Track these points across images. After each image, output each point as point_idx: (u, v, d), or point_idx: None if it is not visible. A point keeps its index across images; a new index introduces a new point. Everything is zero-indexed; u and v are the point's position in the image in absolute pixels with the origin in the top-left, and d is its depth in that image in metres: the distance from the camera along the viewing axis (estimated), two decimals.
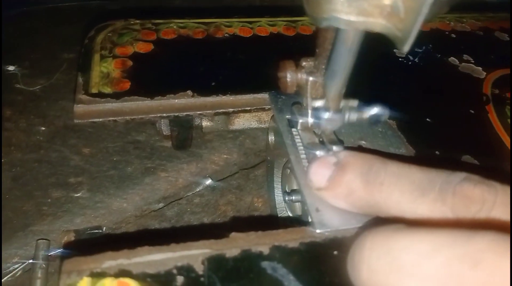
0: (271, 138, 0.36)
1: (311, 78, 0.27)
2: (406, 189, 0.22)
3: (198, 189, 0.42)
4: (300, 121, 0.29)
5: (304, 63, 0.27)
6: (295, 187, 0.33)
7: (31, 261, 0.34)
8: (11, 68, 0.48)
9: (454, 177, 0.21)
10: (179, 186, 0.42)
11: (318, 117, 0.26)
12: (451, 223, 0.20)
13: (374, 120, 0.26)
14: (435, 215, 0.21)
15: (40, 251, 0.34)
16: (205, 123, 0.37)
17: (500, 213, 0.20)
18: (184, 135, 0.35)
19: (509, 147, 0.30)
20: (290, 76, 0.27)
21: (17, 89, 0.47)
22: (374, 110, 0.25)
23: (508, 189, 0.20)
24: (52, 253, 0.35)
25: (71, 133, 0.44)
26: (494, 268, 0.16)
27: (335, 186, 0.24)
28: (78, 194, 0.39)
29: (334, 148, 0.28)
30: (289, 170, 0.34)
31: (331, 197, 0.25)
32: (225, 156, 0.45)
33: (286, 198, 0.32)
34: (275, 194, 0.37)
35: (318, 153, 0.26)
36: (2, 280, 0.34)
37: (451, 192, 0.21)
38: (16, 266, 0.35)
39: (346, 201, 0.24)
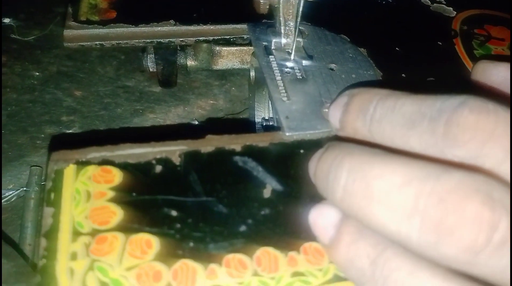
0: (252, 74, 0.38)
1: None
2: (397, 124, 0.21)
3: None
4: (274, 40, 0.31)
5: None
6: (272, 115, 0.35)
7: (24, 188, 0.37)
8: (6, 20, 0.50)
9: (449, 103, 0.19)
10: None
11: None
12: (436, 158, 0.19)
13: None
14: (425, 148, 0.20)
15: (34, 176, 0.36)
16: (190, 62, 0.39)
17: (496, 150, 0.18)
18: (169, 69, 0.37)
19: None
20: None
21: (12, 39, 0.49)
22: None
23: None
24: (44, 183, 0.37)
25: (64, 77, 0.46)
26: (455, 209, 0.16)
27: (344, 127, 0.24)
28: (70, 131, 0.41)
29: (304, 62, 0.30)
30: (268, 98, 0.36)
31: (346, 136, 0.24)
32: (211, 101, 0.47)
33: (264, 125, 0.34)
34: (256, 128, 0.39)
35: (289, 64, 0.29)
36: None
37: (444, 121, 0.19)
38: (11, 192, 0.37)
39: (357, 139, 0.23)
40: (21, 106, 0.42)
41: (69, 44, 0.31)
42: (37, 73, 0.46)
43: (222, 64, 0.40)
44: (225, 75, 0.48)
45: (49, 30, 0.50)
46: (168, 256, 0.21)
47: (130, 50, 0.49)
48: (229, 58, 0.40)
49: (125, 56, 0.49)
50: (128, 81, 0.47)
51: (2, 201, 0.36)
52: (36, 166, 0.37)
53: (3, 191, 0.37)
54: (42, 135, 0.40)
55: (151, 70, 0.38)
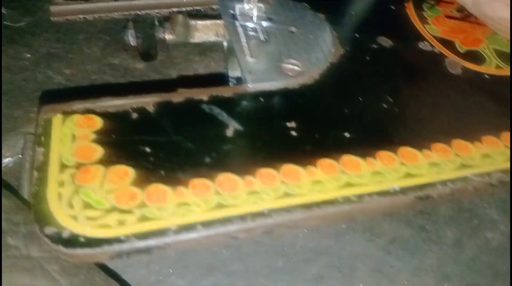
0: (225, 45, 0.42)
1: None
2: None
3: None
4: (239, 7, 0.34)
5: None
6: None
7: (20, 156, 0.40)
8: None
9: None
10: None
11: None
12: None
13: None
14: None
15: (28, 142, 0.40)
16: (168, 36, 0.43)
17: None
18: (148, 42, 0.41)
19: (421, 31, 0.36)
20: None
21: (4, 25, 0.52)
22: None
23: None
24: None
25: (54, 58, 0.49)
26: None
27: None
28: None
29: (264, 23, 0.34)
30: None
31: None
32: None
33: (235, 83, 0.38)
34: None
35: (252, 27, 0.32)
36: None
37: None
38: (7, 159, 0.40)
39: None
40: (15, 84, 0.46)
41: (55, 18, 0.35)
42: (29, 55, 0.49)
43: (199, 37, 0.44)
44: (205, 51, 0.52)
45: (38, 17, 0.53)
46: (142, 182, 0.24)
47: (115, 32, 0.52)
48: (205, 31, 0.43)
49: (111, 38, 0.52)
50: (114, 59, 0.50)
51: None
52: (30, 134, 0.41)
53: None
54: (36, 109, 0.44)
55: (132, 44, 0.42)
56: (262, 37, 0.34)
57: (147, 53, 0.43)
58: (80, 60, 0.50)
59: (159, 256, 0.34)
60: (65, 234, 0.22)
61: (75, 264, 0.24)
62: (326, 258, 0.36)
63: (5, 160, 0.40)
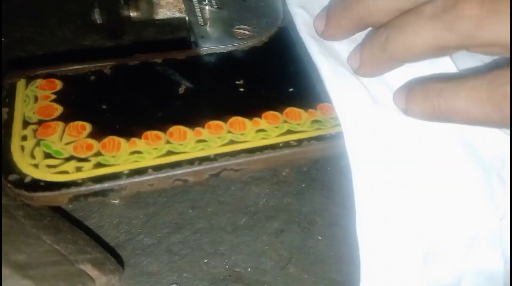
0: (187, 18, 0.44)
1: None
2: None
3: None
4: None
5: None
6: None
7: None
8: None
9: None
10: None
11: None
12: None
13: None
14: None
15: None
16: (133, 13, 0.45)
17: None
18: (113, 19, 0.43)
19: None
20: None
21: None
22: None
23: None
24: None
25: (27, 41, 0.51)
26: None
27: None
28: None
29: None
30: None
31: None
32: None
33: None
34: None
35: None
36: None
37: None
38: None
39: None
40: None
41: None
42: (3, 39, 0.51)
43: (163, 13, 0.46)
44: (173, 30, 0.54)
45: (12, 3, 0.55)
46: (99, 134, 0.27)
47: (86, 15, 0.55)
48: (168, 8, 0.45)
49: (82, 21, 0.54)
50: (85, 41, 0.52)
51: None
52: None
53: None
54: None
55: (98, 22, 0.44)
56: (215, 5, 0.36)
57: (113, 31, 0.45)
58: (52, 43, 0.52)
59: (128, 218, 0.37)
60: (27, 180, 0.24)
61: (40, 213, 0.26)
62: (286, 215, 0.39)
63: None
